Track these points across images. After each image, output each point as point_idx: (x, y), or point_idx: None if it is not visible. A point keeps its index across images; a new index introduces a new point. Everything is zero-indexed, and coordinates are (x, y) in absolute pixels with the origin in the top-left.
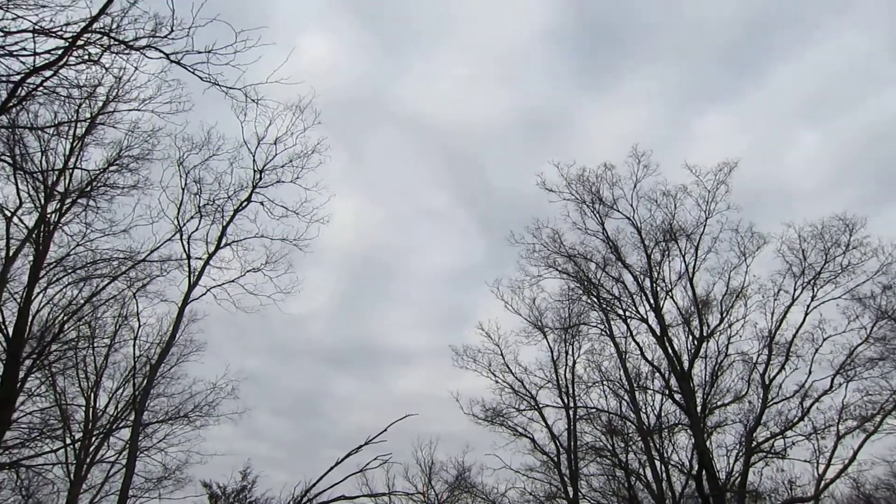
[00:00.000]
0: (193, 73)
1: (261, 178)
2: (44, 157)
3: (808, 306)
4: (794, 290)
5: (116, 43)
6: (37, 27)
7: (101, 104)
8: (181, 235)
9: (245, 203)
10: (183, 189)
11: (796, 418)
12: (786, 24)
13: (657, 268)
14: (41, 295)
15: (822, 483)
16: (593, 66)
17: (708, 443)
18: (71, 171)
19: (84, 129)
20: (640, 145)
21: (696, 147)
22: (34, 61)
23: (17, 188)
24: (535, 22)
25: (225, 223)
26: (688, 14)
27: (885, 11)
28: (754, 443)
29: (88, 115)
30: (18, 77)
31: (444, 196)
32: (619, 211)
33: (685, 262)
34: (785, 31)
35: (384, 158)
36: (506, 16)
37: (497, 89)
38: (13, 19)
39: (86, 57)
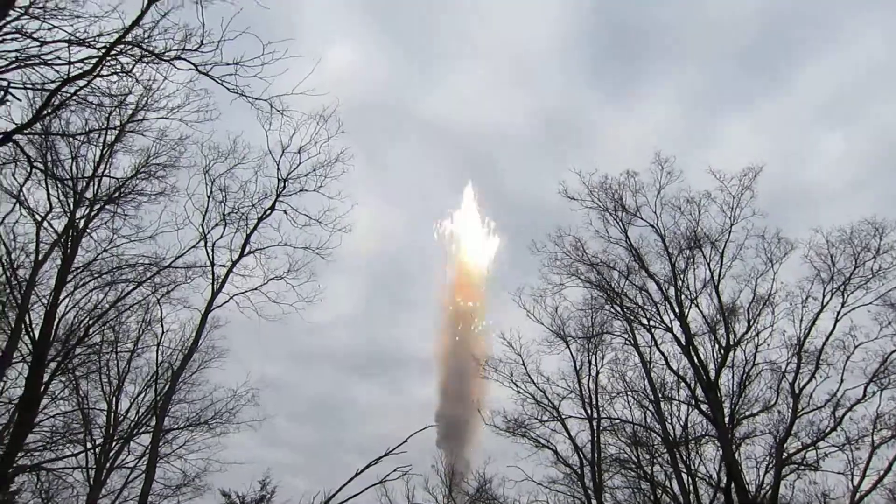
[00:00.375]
0: (221, 83)
1: (284, 187)
2: (74, 164)
3: (839, 313)
4: (824, 296)
5: (147, 54)
6: (72, 37)
7: (130, 112)
8: (206, 243)
9: (269, 211)
10: (208, 197)
11: (828, 429)
12: (805, 25)
13: (681, 276)
14: (67, 299)
15: (857, 496)
16: (612, 70)
17: (736, 454)
18: (100, 177)
19: (114, 137)
20: (662, 150)
21: (718, 151)
22: (68, 70)
23: (48, 193)
24: (553, 28)
25: (249, 231)
26: (707, 15)
27: None
28: (785, 454)
29: (118, 123)
30: (53, 86)
31: (463, 201)
32: (642, 218)
33: (710, 269)
34: (805, 33)
35: (405, 164)
36: (524, 23)
37: (517, 94)
38: (49, 29)
39: (118, 68)
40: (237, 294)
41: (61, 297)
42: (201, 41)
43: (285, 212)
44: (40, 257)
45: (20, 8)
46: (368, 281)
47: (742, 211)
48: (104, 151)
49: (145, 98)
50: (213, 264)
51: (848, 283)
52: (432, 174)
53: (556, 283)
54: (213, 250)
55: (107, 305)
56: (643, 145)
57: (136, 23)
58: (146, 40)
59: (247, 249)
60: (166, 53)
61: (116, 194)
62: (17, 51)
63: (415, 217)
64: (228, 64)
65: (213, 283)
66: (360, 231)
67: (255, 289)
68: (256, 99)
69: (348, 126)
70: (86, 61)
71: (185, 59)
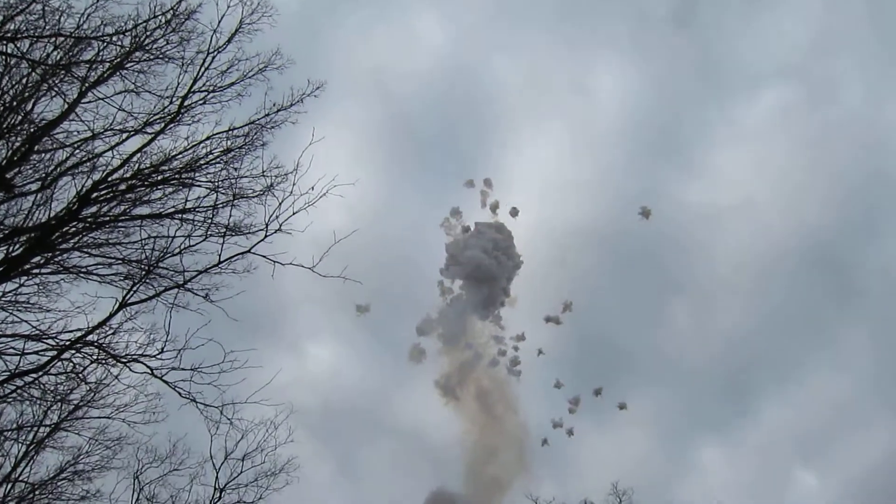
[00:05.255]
0: (174, 388)
1: (220, 497)
2: None
3: None
4: None
5: (105, 356)
6: (36, 330)
7: (71, 409)
8: None
9: None
10: None
11: None
12: (769, 361)
13: None
14: None
15: None
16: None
17: None
18: (14, 482)
19: (46, 434)
20: (627, 477)
21: (692, 480)
22: (19, 362)
23: None
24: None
25: None
26: (677, 351)
27: (865, 351)
28: None
29: (56, 419)
30: None
31: None
32: None
33: None
34: (769, 370)
35: (375, 473)
36: None
37: None
38: (12, 322)
39: (69, 368)
40: None
41: None
42: (163, 348)
43: None
44: None
45: None
46: None
47: None
48: (30, 449)
49: (91, 395)
50: None
51: None
52: (400, 487)
53: None
54: None
55: None
56: (614, 465)
57: (101, 324)
58: (107, 341)
59: None
60: (124, 356)
61: (31, 495)
62: None
63: None
64: (185, 369)
65: None
66: None
67: None
68: (207, 405)
69: (322, 427)
70: (40, 353)
71: (142, 363)
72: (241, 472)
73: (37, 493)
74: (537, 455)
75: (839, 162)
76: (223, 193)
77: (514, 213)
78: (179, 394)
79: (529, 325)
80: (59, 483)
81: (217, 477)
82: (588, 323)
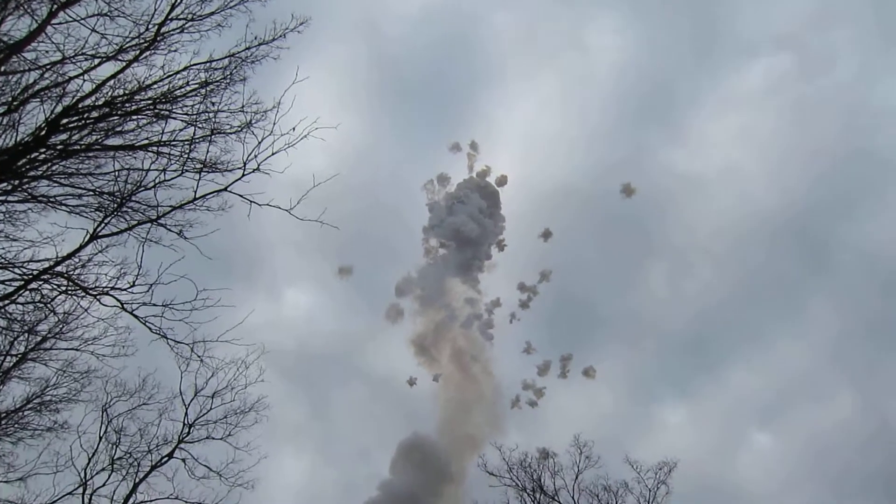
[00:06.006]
0: (145, 324)
1: (189, 433)
2: None
3: None
4: None
5: (74, 287)
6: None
7: (39, 340)
8: (84, 489)
9: (166, 459)
10: (100, 437)
11: None
12: (738, 327)
13: None
14: None
15: None
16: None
17: None
18: None
19: (12, 364)
20: (592, 432)
21: (654, 437)
22: None
23: None
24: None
25: (138, 480)
26: (651, 314)
27: (829, 324)
28: None
29: (22, 350)
30: None
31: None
32: (559, 503)
33: None
34: (737, 335)
35: (347, 417)
36: None
37: None
38: None
39: (38, 298)
40: None
41: None
42: (134, 281)
43: (184, 460)
44: None
45: None
46: None
47: None
48: None
49: (59, 327)
50: None
51: None
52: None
53: None
54: (90, 499)
55: None
56: (580, 420)
57: (70, 255)
58: (77, 272)
59: (131, 501)
60: (94, 289)
61: None
62: None
63: (349, 481)
64: (156, 305)
65: None
66: (289, 487)
67: None
68: (178, 342)
69: (296, 371)
70: (7, 283)
71: (112, 297)
72: (211, 409)
73: (2, 422)
74: (508, 414)
75: (825, 136)
76: (200, 128)
77: (501, 182)
78: (150, 329)
79: (507, 288)
80: (25, 413)
81: (186, 413)
82: (565, 284)
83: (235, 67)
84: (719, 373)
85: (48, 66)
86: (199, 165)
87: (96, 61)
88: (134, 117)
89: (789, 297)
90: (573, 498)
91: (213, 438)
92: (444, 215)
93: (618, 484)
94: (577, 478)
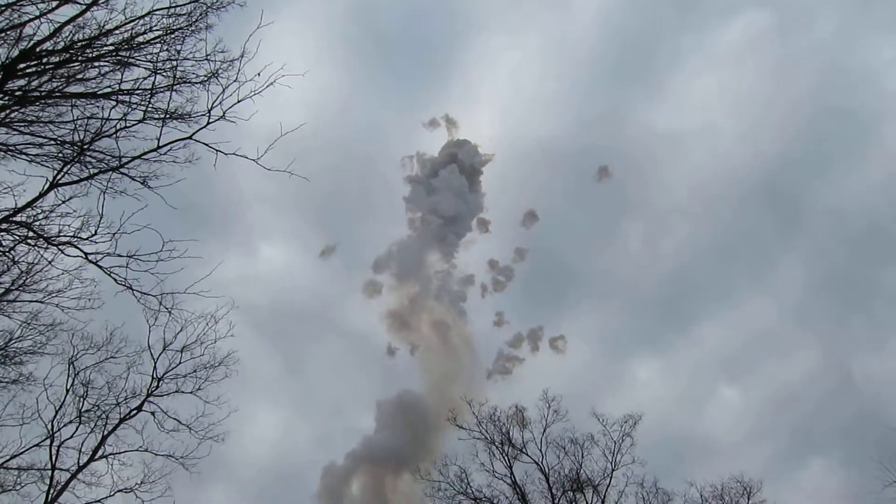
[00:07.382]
0: (110, 274)
1: (158, 387)
2: None
3: None
4: None
5: (35, 237)
6: None
7: (1, 291)
8: (52, 441)
9: (135, 412)
10: (67, 390)
11: None
12: (710, 284)
13: None
14: None
15: None
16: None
17: None
18: None
19: None
20: (563, 387)
21: (624, 392)
22: None
23: None
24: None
25: (106, 432)
26: (626, 271)
27: (797, 283)
28: None
29: None
30: None
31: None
32: (528, 454)
33: None
34: (709, 291)
35: (322, 373)
36: None
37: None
38: None
39: None
40: None
41: None
42: (96, 230)
43: (153, 413)
44: None
45: None
46: (260, 496)
47: (623, 457)
48: None
49: (22, 279)
50: (53, 468)
51: None
52: (346, 389)
53: None
54: (58, 451)
55: None
56: (554, 375)
57: (29, 204)
58: (38, 222)
59: (99, 453)
60: (56, 238)
61: None
62: None
63: (324, 434)
64: (121, 255)
65: (49, 491)
66: (264, 440)
67: (99, 501)
68: (145, 294)
69: (271, 326)
70: None
71: (75, 247)
72: (181, 363)
73: None
74: (485, 384)
75: (800, 94)
76: (164, 76)
77: (483, 162)
78: (115, 280)
79: (491, 255)
80: None
81: (155, 366)
82: (542, 241)
83: (200, 14)
84: (690, 329)
85: (3, 7)
86: (162, 114)
87: (55, 3)
88: (95, 64)
89: (760, 255)
90: (540, 450)
91: (183, 392)
92: (422, 194)
93: (584, 437)
94: (544, 431)
